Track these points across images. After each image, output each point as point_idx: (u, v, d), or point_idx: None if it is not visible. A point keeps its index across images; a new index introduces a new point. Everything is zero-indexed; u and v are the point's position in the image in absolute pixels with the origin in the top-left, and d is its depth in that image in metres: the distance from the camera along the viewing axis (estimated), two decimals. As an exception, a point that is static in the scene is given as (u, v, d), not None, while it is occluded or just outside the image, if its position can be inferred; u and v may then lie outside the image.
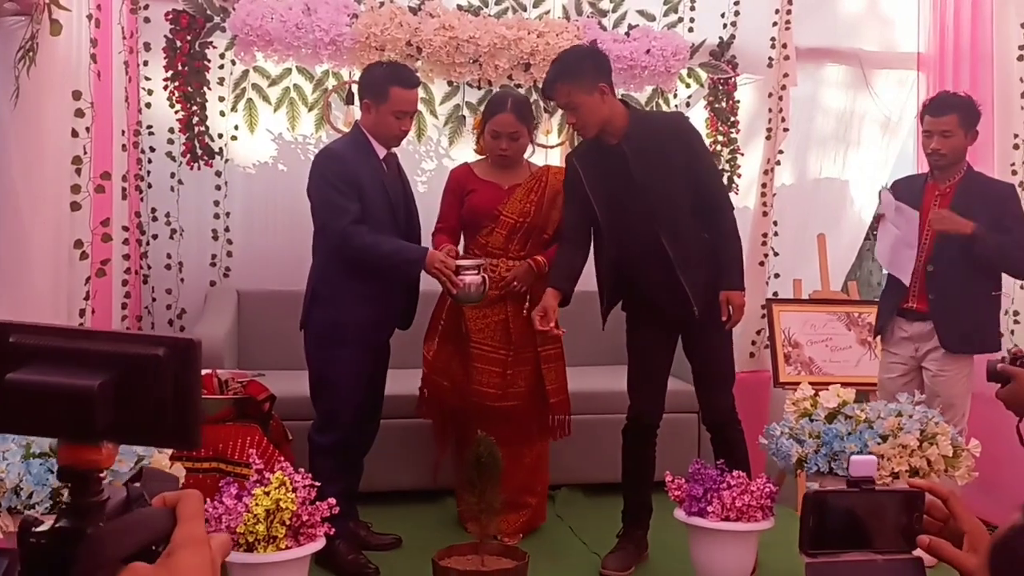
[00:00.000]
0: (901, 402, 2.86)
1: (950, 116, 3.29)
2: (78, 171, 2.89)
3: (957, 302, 3.30)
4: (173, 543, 0.70)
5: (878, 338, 3.67)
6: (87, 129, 2.93)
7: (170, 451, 2.38)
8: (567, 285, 3.10)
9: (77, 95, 2.90)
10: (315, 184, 3.10)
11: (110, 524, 0.69)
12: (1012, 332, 4.00)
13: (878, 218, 3.53)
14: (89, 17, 3.04)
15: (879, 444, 2.67)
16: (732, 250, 3.14)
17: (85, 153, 2.92)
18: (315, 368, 3.15)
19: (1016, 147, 4.12)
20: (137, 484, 0.74)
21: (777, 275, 4.65)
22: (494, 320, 3.31)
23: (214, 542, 0.74)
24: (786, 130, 4.56)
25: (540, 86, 4.26)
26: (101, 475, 0.69)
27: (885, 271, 3.59)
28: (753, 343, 4.62)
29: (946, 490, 1.25)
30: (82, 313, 2.93)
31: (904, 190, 3.49)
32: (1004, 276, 3.44)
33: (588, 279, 3.30)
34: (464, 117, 4.40)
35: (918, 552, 1.31)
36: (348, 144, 3.17)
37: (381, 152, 3.16)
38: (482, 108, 3.57)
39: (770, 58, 4.47)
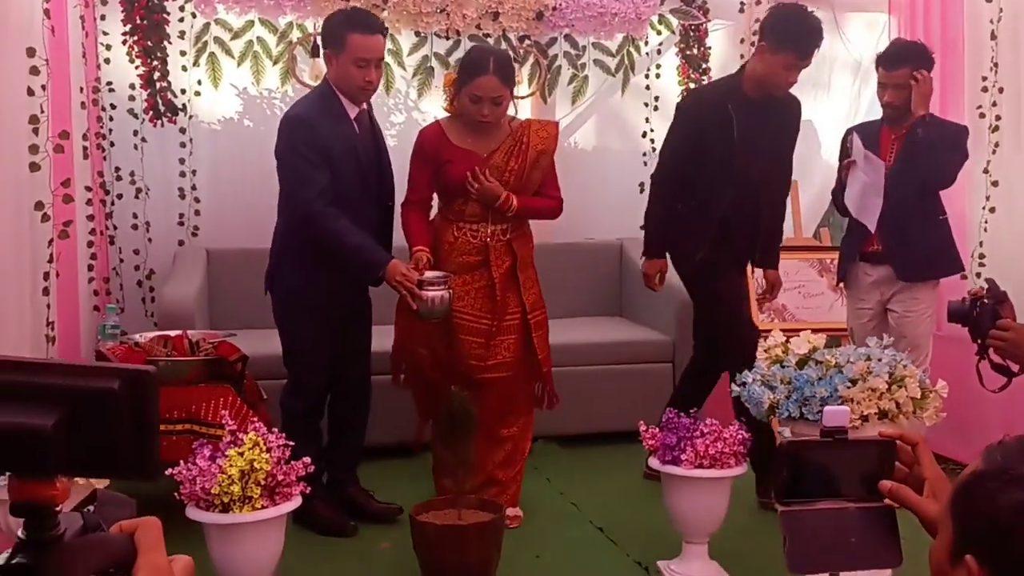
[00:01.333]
0: (870, 346, 2.89)
1: (903, 70, 3.38)
2: (35, 131, 2.81)
3: (908, 231, 3.42)
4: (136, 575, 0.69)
5: (841, 284, 3.72)
6: (43, 87, 2.85)
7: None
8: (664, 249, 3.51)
9: (31, 52, 2.81)
10: (282, 150, 2.97)
11: (67, 544, 0.68)
12: (978, 275, 4.05)
13: (846, 165, 3.53)
14: (40, -30, 2.94)
15: (849, 388, 2.69)
16: (781, 230, 3.62)
17: (42, 112, 2.84)
18: (283, 333, 3.11)
19: (985, 89, 4.12)
20: (91, 509, 0.72)
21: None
22: (476, 287, 3.08)
23: (176, 566, 0.73)
24: (758, 76, 4.53)
25: (509, 35, 4.22)
26: (57, 509, 0.68)
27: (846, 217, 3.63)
28: (726, 291, 4.64)
29: (916, 437, 1.27)
30: (47, 276, 2.88)
31: (862, 136, 3.53)
32: (946, 203, 3.55)
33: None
34: (432, 68, 4.33)
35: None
36: (316, 104, 3.00)
37: (352, 111, 3.01)
38: (456, 65, 3.21)
39: (741, 3, 4.42)
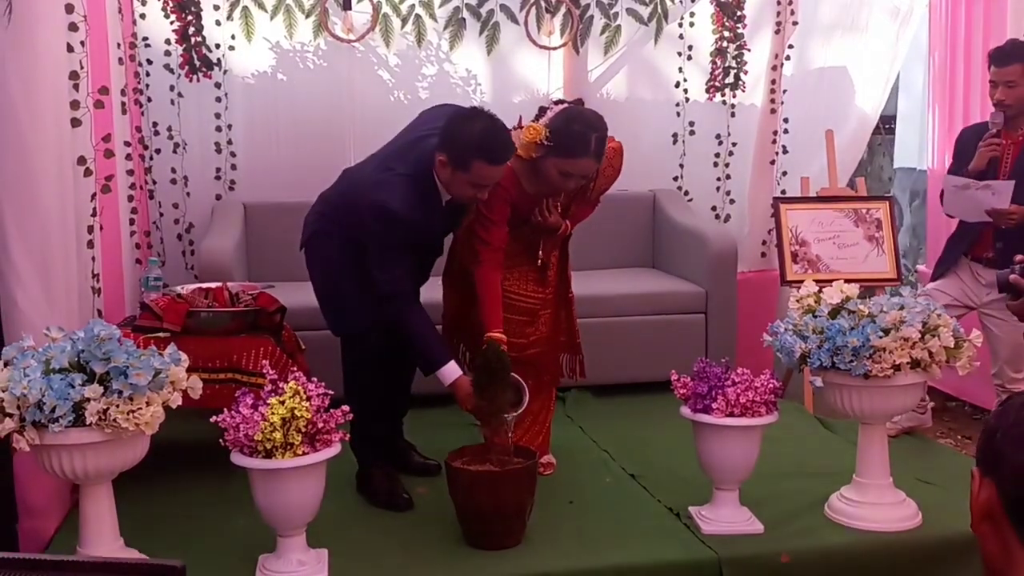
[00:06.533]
0: (903, 295, 2.88)
1: (1014, 66, 3.27)
2: (76, 87, 2.86)
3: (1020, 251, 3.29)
4: None
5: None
6: (82, 43, 2.89)
7: (186, 362, 2.42)
8: None
9: (70, 8, 2.84)
10: (372, 235, 2.78)
11: None
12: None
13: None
14: (76, -74, 2.96)
15: (881, 338, 2.70)
16: None
17: (82, 68, 2.89)
18: (318, 279, 3.01)
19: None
20: None
21: (785, 173, 4.62)
22: (523, 268, 3.07)
23: None
24: (795, 23, 4.46)
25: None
26: None
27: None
28: (763, 242, 4.63)
29: None
30: (91, 230, 2.95)
31: (973, 138, 3.45)
32: None
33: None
34: (464, 20, 4.31)
35: None
36: (412, 195, 2.74)
37: (446, 196, 2.83)
38: (548, 133, 2.79)
39: (777, -52, 4.34)
